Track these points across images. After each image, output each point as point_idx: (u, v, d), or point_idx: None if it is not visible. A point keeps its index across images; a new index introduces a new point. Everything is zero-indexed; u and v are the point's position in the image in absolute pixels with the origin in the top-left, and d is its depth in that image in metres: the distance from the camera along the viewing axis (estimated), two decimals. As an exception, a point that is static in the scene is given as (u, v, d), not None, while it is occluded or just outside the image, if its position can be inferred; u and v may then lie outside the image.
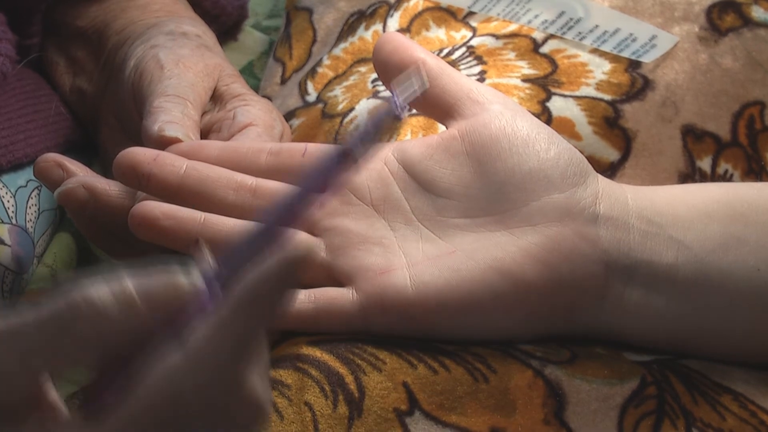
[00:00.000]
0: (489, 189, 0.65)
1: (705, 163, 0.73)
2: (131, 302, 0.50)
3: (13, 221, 0.79)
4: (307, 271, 0.65)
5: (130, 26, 0.84)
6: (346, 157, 0.55)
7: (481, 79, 0.74)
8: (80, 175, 0.73)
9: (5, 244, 0.77)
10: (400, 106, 0.57)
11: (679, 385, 0.64)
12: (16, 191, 0.80)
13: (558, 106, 0.73)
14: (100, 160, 0.87)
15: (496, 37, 0.76)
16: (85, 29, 0.87)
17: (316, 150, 0.69)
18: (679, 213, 0.66)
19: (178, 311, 0.50)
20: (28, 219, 0.80)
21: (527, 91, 0.73)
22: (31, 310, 0.50)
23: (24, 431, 0.50)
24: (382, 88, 0.76)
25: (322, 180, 0.54)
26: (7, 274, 0.77)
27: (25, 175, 0.81)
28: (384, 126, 0.56)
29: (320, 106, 0.79)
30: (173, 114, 0.72)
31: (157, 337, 0.50)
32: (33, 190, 0.81)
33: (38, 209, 0.81)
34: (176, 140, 0.70)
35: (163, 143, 0.70)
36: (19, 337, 0.50)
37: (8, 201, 0.79)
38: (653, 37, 0.75)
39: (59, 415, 0.52)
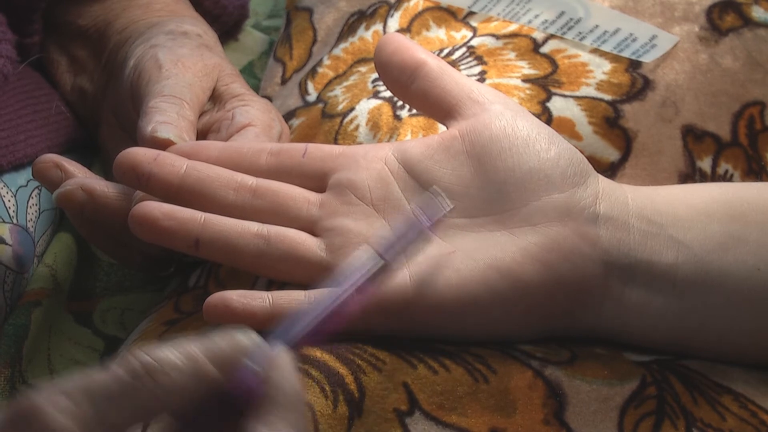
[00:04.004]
0: (489, 189, 0.65)
1: (705, 163, 0.73)
2: (197, 359, 0.52)
3: (14, 221, 0.79)
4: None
5: (132, 25, 0.84)
6: (383, 269, 0.60)
7: (482, 80, 0.74)
8: (79, 176, 0.73)
9: (7, 244, 0.77)
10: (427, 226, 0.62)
11: (679, 385, 0.64)
12: (16, 191, 0.80)
13: (558, 106, 0.73)
14: (100, 159, 0.87)
15: (497, 37, 0.76)
16: (87, 28, 0.87)
17: (316, 150, 0.69)
18: (679, 213, 0.66)
19: (239, 368, 0.53)
20: (28, 219, 0.80)
21: (527, 92, 0.73)
22: (100, 373, 0.52)
23: None
24: (382, 88, 0.76)
25: (357, 285, 0.59)
26: (8, 274, 0.77)
27: (26, 174, 0.81)
28: (415, 244, 0.61)
29: (320, 106, 0.79)
30: (168, 115, 0.72)
31: (225, 393, 0.52)
32: (33, 190, 0.81)
33: (39, 209, 0.81)
34: (169, 142, 0.70)
35: (156, 144, 0.70)
36: (95, 397, 0.51)
37: (9, 200, 0.79)
38: (653, 37, 0.75)
39: None
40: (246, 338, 0.53)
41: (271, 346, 0.53)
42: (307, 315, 0.56)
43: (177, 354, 0.52)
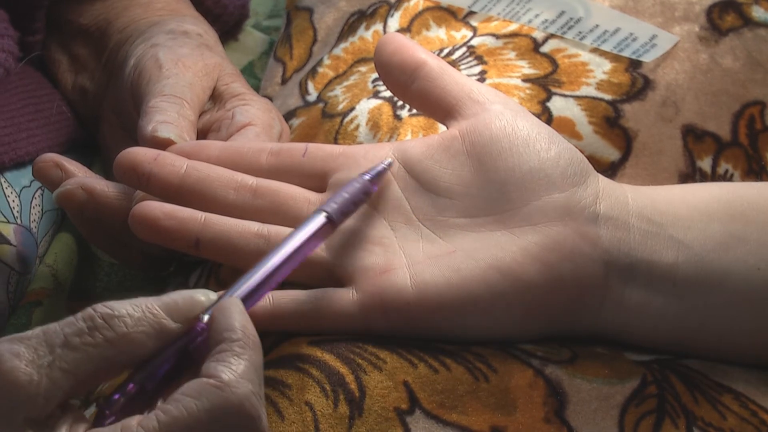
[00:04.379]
0: (489, 189, 0.65)
1: (705, 163, 0.73)
2: (153, 311, 0.54)
3: (18, 221, 0.79)
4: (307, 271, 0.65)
5: (132, 24, 0.84)
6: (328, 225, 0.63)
7: (482, 79, 0.74)
8: (79, 175, 0.73)
9: (11, 244, 0.77)
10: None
11: (679, 384, 0.64)
12: (20, 191, 0.80)
13: (558, 105, 0.73)
14: (101, 159, 0.87)
15: (497, 36, 0.76)
16: (88, 27, 0.87)
17: (316, 150, 0.69)
18: (680, 212, 0.66)
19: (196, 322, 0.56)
20: (32, 219, 0.80)
21: (528, 91, 0.73)
22: (61, 325, 0.54)
23: None
24: (382, 87, 0.76)
25: (302, 245, 0.62)
26: (12, 275, 0.77)
27: (29, 174, 0.81)
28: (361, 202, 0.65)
29: (320, 105, 0.79)
30: (168, 114, 0.72)
31: (182, 347, 0.55)
32: (36, 191, 0.81)
33: (41, 209, 0.81)
34: (169, 141, 0.70)
35: (156, 144, 0.70)
36: (53, 344, 0.53)
37: (13, 201, 0.79)
38: (653, 37, 0.75)
39: (81, 420, 0.55)
40: (203, 296, 0.56)
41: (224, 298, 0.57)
42: (258, 268, 0.60)
43: (135, 305, 0.53)
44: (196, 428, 0.52)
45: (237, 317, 0.55)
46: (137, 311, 0.54)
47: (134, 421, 0.53)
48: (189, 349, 0.56)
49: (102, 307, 0.54)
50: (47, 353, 0.53)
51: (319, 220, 0.63)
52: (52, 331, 0.53)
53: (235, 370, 0.53)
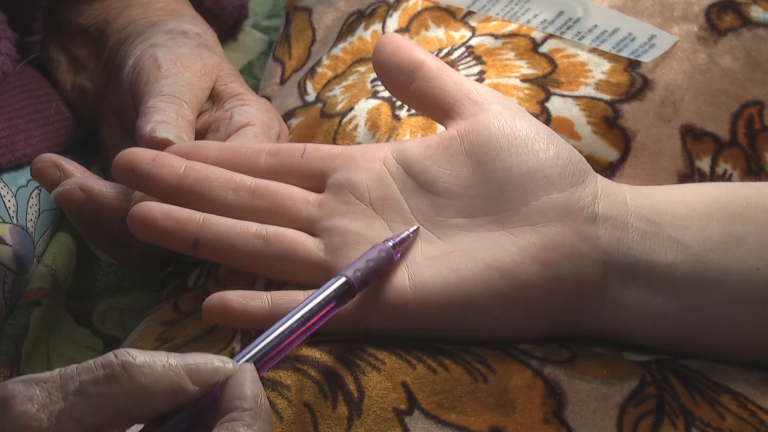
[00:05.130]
0: (488, 189, 0.65)
1: (704, 163, 0.73)
2: (175, 369, 0.53)
3: (14, 221, 0.79)
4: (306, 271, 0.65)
5: (132, 24, 0.84)
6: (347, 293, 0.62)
7: (480, 79, 0.74)
8: (77, 175, 0.73)
9: (7, 244, 0.77)
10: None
11: (678, 384, 0.64)
12: (17, 191, 0.80)
13: (557, 106, 0.73)
14: (100, 159, 0.87)
15: (495, 36, 0.76)
16: (87, 27, 0.87)
17: (315, 150, 0.69)
18: (678, 212, 0.66)
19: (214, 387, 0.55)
20: (28, 219, 0.80)
21: (526, 91, 0.73)
22: (79, 370, 0.53)
23: None
24: (381, 88, 0.76)
25: (319, 309, 0.61)
26: (8, 275, 0.77)
27: (26, 174, 0.81)
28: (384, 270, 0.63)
29: (319, 105, 0.79)
30: (167, 114, 0.72)
31: (198, 411, 0.54)
32: (33, 190, 0.81)
33: (38, 209, 0.81)
34: (167, 141, 0.70)
35: (154, 144, 0.70)
36: (68, 388, 0.52)
37: (9, 201, 0.79)
38: (652, 37, 0.75)
39: None
40: (220, 362, 0.55)
41: (237, 362, 0.56)
42: (274, 330, 0.59)
43: (156, 359, 0.53)
44: None
45: (249, 385, 0.55)
46: (158, 366, 0.53)
47: None
48: (200, 409, 0.55)
49: (124, 354, 0.53)
50: (60, 399, 0.52)
51: (340, 285, 0.62)
52: (68, 376, 0.52)
53: None
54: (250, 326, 0.64)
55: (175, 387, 0.53)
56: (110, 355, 0.53)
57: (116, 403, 0.52)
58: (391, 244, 0.64)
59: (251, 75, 0.93)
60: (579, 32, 0.76)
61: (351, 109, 0.76)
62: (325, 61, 0.82)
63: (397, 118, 0.74)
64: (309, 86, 0.81)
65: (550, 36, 0.76)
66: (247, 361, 0.57)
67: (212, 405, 0.54)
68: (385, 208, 0.66)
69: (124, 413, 0.52)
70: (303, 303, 0.61)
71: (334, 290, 0.61)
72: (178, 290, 0.73)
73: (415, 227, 0.65)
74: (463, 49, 0.77)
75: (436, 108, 0.68)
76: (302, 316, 0.60)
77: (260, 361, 0.58)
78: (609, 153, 0.72)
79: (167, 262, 0.77)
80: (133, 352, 0.53)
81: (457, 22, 0.79)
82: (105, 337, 0.80)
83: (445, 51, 0.77)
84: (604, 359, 0.64)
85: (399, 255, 0.64)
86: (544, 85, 0.73)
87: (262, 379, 0.59)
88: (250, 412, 0.53)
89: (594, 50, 0.75)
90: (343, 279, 0.62)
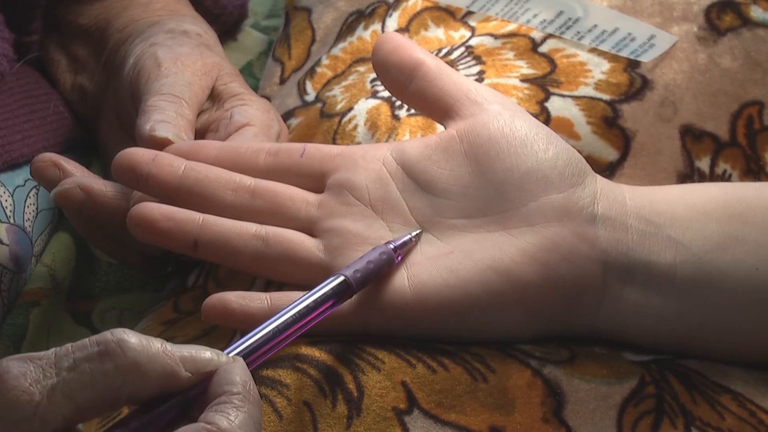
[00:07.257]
0: (487, 189, 0.65)
1: (704, 163, 0.73)
2: (170, 354, 0.54)
3: (11, 220, 0.79)
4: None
5: (132, 24, 0.85)
6: (345, 293, 0.62)
7: (480, 79, 0.74)
8: (77, 175, 0.73)
9: (3, 244, 0.77)
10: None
11: (678, 384, 0.64)
12: (14, 190, 0.80)
13: (557, 106, 0.73)
14: (99, 159, 0.87)
15: (495, 36, 0.76)
16: (87, 27, 0.87)
17: (314, 150, 0.69)
18: (678, 213, 0.66)
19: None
20: (26, 218, 0.80)
21: (526, 91, 0.73)
22: (74, 347, 0.53)
23: None
24: (381, 87, 0.76)
25: (315, 306, 0.61)
26: (5, 274, 0.77)
27: (23, 174, 0.81)
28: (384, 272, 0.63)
29: (319, 105, 0.79)
30: (167, 113, 0.72)
31: (188, 399, 0.55)
32: (31, 190, 0.81)
33: (36, 209, 0.81)
34: (167, 141, 0.70)
35: (154, 143, 0.70)
36: (62, 366, 0.52)
37: (6, 200, 0.79)
38: (652, 37, 0.75)
39: None
40: (213, 354, 0.55)
41: (229, 354, 0.56)
42: (266, 325, 0.59)
43: (152, 341, 0.53)
44: None
45: (239, 372, 0.55)
46: (153, 347, 0.53)
47: None
48: (189, 400, 0.55)
49: (120, 333, 0.53)
50: (53, 375, 0.52)
51: (338, 283, 0.62)
52: (63, 353, 0.53)
53: (233, 420, 0.52)
54: (250, 327, 0.64)
55: (168, 370, 0.53)
56: (106, 333, 0.53)
57: (108, 379, 0.52)
58: (392, 246, 0.64)
59: (251, 75, 0.93)
60: (578, 32, 0.76)
61: (350, 108, 0.76)
62: (325, 61, 0.82)
63: (396, 118, 0.74)
64: (308, 86, 0.81)
65: (550, 36, 0.76)
66: (240, 353, 0.58)
67: (201, 398, 0.54)
68: (384, 208, 0.66)
69: (115, 392, 0.53)
70: (299, 299, 0.61)
71: (332, 288, 0.61)
72: (178, 290, 0.73)
73: (417, 231, 0.65)
74: (462, 49, 0.77)
75: (436, 108, 0.68)
76: (297, 313, 0.60)
77: (253, 354, 0.58)
78: (608, 153, 0.72)
79: (167, 262, 0.77)
80: (129, 332, 0.53)
81: (456, 22, 0.79)
82: (104, 337, 0.79)
83: (444, 51, 0.77)
84: (604, 359, 0.64)
85: (400, 258, 0.64)
86: (543, 85, 0.73)
87: (261, 377, 0.60)
88: (239, 396, 0.54)
89: (593, 50, 0.75)
90: (341, 278, 0.62)
